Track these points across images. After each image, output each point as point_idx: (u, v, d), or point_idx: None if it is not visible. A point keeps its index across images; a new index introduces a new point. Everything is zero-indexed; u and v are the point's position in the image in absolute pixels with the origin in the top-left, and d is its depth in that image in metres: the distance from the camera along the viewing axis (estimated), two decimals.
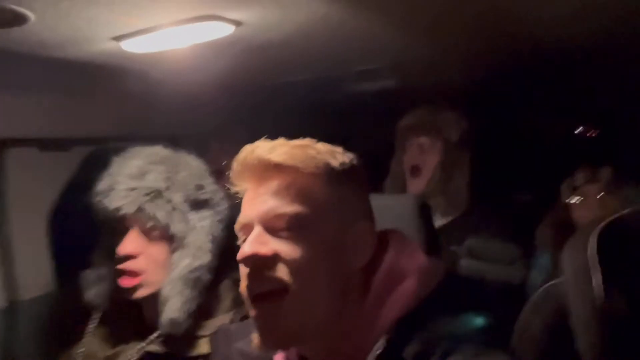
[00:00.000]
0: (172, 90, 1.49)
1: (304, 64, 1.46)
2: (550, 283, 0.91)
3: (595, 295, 0.73)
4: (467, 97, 1.88)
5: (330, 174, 0.79)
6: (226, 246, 1.26)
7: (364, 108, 2.15)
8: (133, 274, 1.15)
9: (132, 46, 1.06)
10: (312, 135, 0.86)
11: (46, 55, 1.12)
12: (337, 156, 0.81)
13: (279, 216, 0.76)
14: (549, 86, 1.94)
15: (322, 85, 1.80)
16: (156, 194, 1.14)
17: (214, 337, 1.08)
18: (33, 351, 1.38)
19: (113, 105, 1.48)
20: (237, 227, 0.82)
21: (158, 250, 1.17)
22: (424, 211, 1.13)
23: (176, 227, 1.15)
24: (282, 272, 0.75)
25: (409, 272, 0.78)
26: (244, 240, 0.79)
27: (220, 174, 1.18)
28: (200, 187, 1.20)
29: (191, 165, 1.22)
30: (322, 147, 0.81)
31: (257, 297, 0.76)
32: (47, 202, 1.44)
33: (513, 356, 0.71)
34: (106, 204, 1.15)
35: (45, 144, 1.39)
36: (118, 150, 1.23)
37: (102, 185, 1.17)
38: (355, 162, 0.83)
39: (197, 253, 1.16)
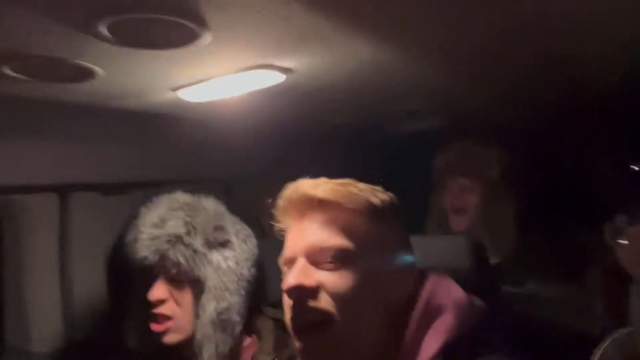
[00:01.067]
0: (225, 136, 1.54)
1: (351, 107, 1.48)
2: (618, 332, 0.86)
3: None
4: (510, 134, 1.84)
5: (372, 211, 0.81)
6: (257, 284, 1.27)
7: (409, 148, 2.15)
8: (163, 318, 1.18)
9: (189, 95, 1.11)
10: (357, 175, 0.88)
11: (110, 107, 1.19)
12: (378, 194, 0.83)
13: (323, 250, 0.79)
14: (602, 123, 1.88)
15: (368, 126, 1.81)
16: (176, 240, 1.17)
17: None
18: None
19: (169, 151, 1.54)
20: (281, 261, 0.85)
21: (185, 295, 1.19)
22: (479, 250, 1.10)
23: (199, 271, 1.17)
24: (325, 303, 0.76)
25: (446, 307, 0.79)
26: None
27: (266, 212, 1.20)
28: (219, 228, 1.22)
29: (207, 208, 1.24)
30: (363, 186, 0.84)
31: (301, 328, 0.78)
32: (107, 246, 1.49)
33: None
34: (134, 254, 1.20)
35: (107, 189, 1.46)
36: (146, 201, 1.27)
37: (129, 236, 1.23)
38: (395, 200, 0.85)
39: (223, 295, 1.17)
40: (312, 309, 0.76)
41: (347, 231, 0.79)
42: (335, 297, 0.76)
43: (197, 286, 1.19)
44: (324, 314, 0.76)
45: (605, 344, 0.85)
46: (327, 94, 1.25)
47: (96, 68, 0.90)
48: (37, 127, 1.20)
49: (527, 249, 1.61)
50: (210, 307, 1.16)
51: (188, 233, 1.18)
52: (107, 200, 1.46)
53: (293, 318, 0.79)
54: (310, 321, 0.77)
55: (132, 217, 1.29)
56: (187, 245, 1.17)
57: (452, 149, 1.73)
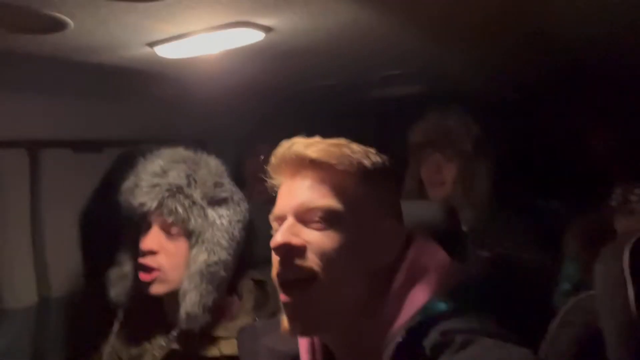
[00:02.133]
0: (202, 95, 1.51)
1: (332, 69, 1.46)
2: (580, 296, 0.90)
3: (630, 309, 0.72)
4: (487, 105, 1.85)
5: (363, 173, 0.82)
6: (245, 247, 1.29)
7: (390, 113, 2.15)
8: (151, 269, 1.20)
9: (166, 52, 1.08)
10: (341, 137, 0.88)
11: (82, 60, 1.15)
12: (371, 156, 0.84)
13: (312, 209, 0.79)
14: (583, 93, 1.90)
15: (349, 90, 1.80)
16: (177, 190, 1.18)
17: (240, 334, 1.11)
18: (62, 348, 1.41)
19: (145, 109, 1.51)
20: (271, 217, 0.86)
21: (177, 247, 1.21)
22: (452, 215, 1.13)
23: (195, 223, 1.19)
24: (311, 261, 0.78)
25: (430, 269, 0.81)
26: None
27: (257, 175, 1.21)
28: (219, 185, 1.24)
29: (210, 165, 1.26)
30: (357, 147, 0.84)
31: (286, 283, 0.80)
32: (80, 202, 1.48)
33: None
34: (131, 201, 1.20)
35: (79, 146, 1.43)
36: (145, 152, 1.27)
37: (128, 183, 1.23)
38: (387, 163, 0.86)
39: (214, 248, 1.19)
40: (297, 267, 0.78)
41: (337, 192, 0.80)
42: (321, 256, 0.78)
43: (190, 238, 1.20)
44: (308, 271, 0.78)
45: (567, 306, 0.88)
46: (307, 54, 1.23)
47: (67, 19, 0.87)
48: (5, 80, 1.15)
49: (501, 217, 1.65)
50: (201, 258, 1.18)
51: (189, 185, 1.20)
52: (79, 158, 1.43)
53: (279, 274, 0.80)
54: (295, 278, 0.79)
55: (123, 169, 1.27)
56: (186, 196, 1.19)
57: (428, 122, 1.73)
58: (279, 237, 0.79)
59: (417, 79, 1.76)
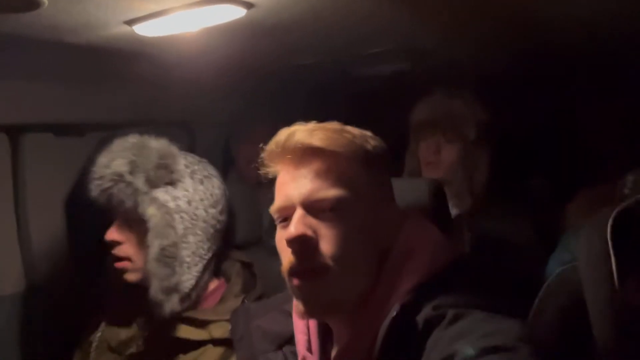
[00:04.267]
0: (184, 75, 1.48)
1: (315, 46, 1.44)
2: (564, 267, 0.91)
3: (613, 280, 0.73)
4: (484, 84, 1.82)
5: (365, 158, 0.83)
6: (224, 228, 1.28)
7: (376, 91, 2.13)
8: (122, 258, 1.20)
9: (145, 30, 1.05)
10: (322, 120, 0.87)
11: (59, 41, 1.12)
12: (370, 140, 0.85)
13: (321, 200, 0.79)
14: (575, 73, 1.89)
15: (333, 68, 1.78)
16: (119, 178, 1.17)
17: (233, 316, 1.12)
18: (51, 335, 1.41)
19: (126, 91, 1.48)
20: (273, 209, 0.85)
21: (138, 235, 1.20)
22: (438, 193, 1.13)
23: (144, 209, 1.17)
24: (325, 251, 0.79)
25: (422, 246, 0.82)
26: (281, 221, 0.83)
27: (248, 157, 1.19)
28: (162, 167, 1.20)
29: (153, 147, 1.22)
30: (356, 131, 0.85)
31: (299, 274, 0.80)
32: (63, 187, 1.46)
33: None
34: (91, 193, 1.20)
35: (60, 130, 1.41)
36: (112, 140, 1.24)
37: (89, 176, 1.22)
38: (384, 145, 0.87)
39: (165, 232, 1.17)
40: (311, 258, 0.79)
41: (343, 179, 0.80)
42: (334, 246, 0.78)
43: (145, 225, 1.18)
44: (322, 261, 0.78)
45: (552, 277, 0.89)
46: (290, 31, 1.21)
47: None
48: None
49: (494, 202, 1.63)
50: (155, 243, 1.16)
51: (130, 172, 1.17)
52: (61, 142, 1.40)
53: (292, 266, 0.80)
54: (310, 267, 0.79)
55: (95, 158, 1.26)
56: (128, 184, 1.17)
57: (433, 101, 1.70)
58: (292, 229, 0.78)
59: (403, 57, 1.74)
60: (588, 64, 1.77)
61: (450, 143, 1.63)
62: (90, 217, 1.31)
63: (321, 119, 0.88)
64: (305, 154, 0.81)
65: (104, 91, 1.44)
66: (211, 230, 1.24)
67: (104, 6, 0.93)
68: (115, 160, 1.18)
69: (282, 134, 0.83)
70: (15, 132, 1.33)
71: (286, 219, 0.82)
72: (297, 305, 0.84)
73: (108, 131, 1.52)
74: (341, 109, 1.35)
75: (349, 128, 0.85)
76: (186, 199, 1.21)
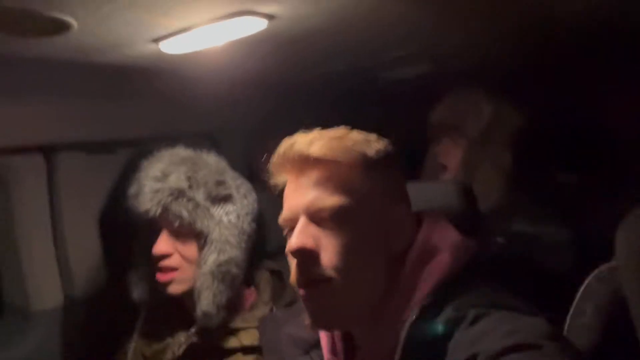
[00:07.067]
0: (209, 88, 1.51)
1: (338, 53, 1.45)
2: (601, 268, 0.88)
3: None
4: (504, 83, 1.80)
5: (367, 163, 0.81)
6: (257, 238, 1.29)
7: (401, 95, 2.12)
8: (168, 270, 1.21)
9: (170, 47, 1.08)
10: (350, 125, 0.87)
11: (88, 61, 1.16)
12: (372, 144, 0.83)
13: (322, 209, 0.79)
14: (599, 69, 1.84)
15: (357, 74, 1.78)
16: (179, 194, 1.18)
17: (262, 323, 1.12)
18: (88, 348, 1.44)
19: (153, 107, 1.52)
20: (280, 220, 0.85)
21: (188, 248, 1.21)
22: (468, 194, 1.12)
23: (201, 224, 1.19)
24: (328, 262, 0.77)
25: (442, 247, 0.80)
26: (288, 232, 0.82)
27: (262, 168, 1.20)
28: (220, 183, 1.23)
29: (209, 163, 1.25)
30: (357, 136, 0.83)
31: (305, 283, 0.80)
32: (97, 204, 1.49)
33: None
34: (137, 207, 1.21)
35: (92, 148, 1.44)
36: (147, 155, 1.27)
37: (131, 189, 1.24)
38: (389, 147, 0.85)
39: (223, 247, 1.19)
40: (314, 268, 0.78)
41: (344, 187, 0.79)
42: (337, 256, 0.77)
43: (200, 239, 1.21)
44: (324, 272, 0.78)
45: (590, 279, 0.87)
46: (312, 40, 1.22)
47: (70, 20, 0.87)
48: (16, 86, 1.17)
49: (513, 198, 1.60)
50: (210, 259, 1.18)
51: (190, 187, 1.19)
52: (93, 159, 1.44)
53: (297, 277, 0.80)
54: (314, 279, 0.79)
55: (130, 172, 1.28)
56: (189, 199, 1.18)
57: (443, 104, 1.69)
58: (293, 241, 0.78)
59: (425, 60, 1.73)
60: (611, 55, 1.73)
61: (455, 145, 1.62)
62: (122, 230, 1.34)
63: (346, 125, 0.87)
64: (304, 164, 0.81)
65: (132, 108, 1.48)
66: (250, 242, 1.26)
67: (131, 25, 0.95)
68: (172, 175, 1.20)
69: (283, 145, 0.83)
70: (49, 152, 1.37)
71: (293, 229, 0.82)
72: (305, 318, 0.83)
73: (137, 147, 1.56)
74: (365, 114, 1.35)
75: (352, 134, 0.83)
76: (235, 213, 1.23)
